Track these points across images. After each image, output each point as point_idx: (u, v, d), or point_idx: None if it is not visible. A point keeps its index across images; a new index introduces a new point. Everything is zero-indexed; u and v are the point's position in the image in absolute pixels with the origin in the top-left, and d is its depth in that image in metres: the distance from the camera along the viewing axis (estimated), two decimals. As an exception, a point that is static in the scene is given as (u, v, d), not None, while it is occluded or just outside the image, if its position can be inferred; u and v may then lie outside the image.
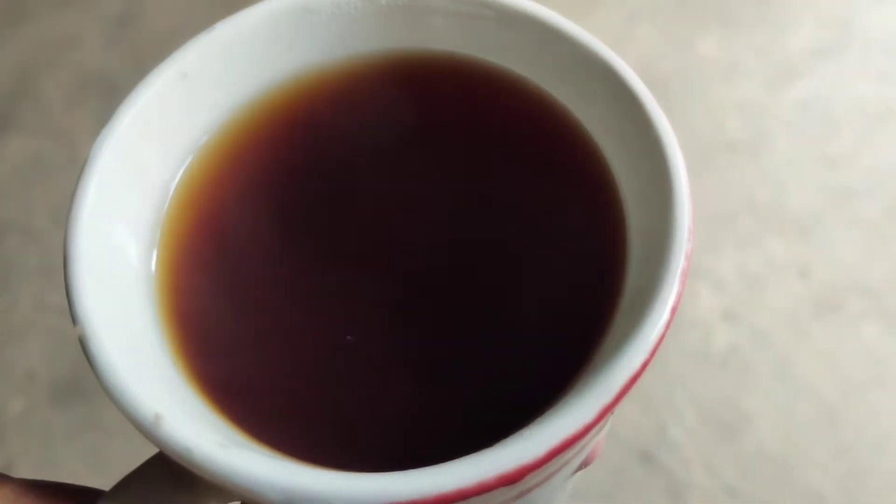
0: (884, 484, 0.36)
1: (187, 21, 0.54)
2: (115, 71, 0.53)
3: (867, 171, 0.45)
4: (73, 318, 0.12)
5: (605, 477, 0.37)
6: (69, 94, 0.52)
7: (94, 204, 0.13)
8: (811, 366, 0.39)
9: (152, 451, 0.12)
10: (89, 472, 0.40)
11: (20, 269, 0.46)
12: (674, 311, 0.12)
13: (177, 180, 0.15)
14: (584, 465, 0.14)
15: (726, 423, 0.38)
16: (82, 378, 0.42)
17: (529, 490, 0.11)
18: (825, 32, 0.50)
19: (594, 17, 0.51)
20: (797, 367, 0.39)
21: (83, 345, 0.11)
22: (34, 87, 0.53)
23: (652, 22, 0.51)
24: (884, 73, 0.48)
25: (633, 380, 0.11)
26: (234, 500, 0.12)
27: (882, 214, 0.43)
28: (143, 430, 0.11)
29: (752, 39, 0.50)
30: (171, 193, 0.15)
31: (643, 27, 0.51)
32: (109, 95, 0.51)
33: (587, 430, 0.11)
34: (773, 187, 0.44)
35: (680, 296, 0.12)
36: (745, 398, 0.38)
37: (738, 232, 0.43)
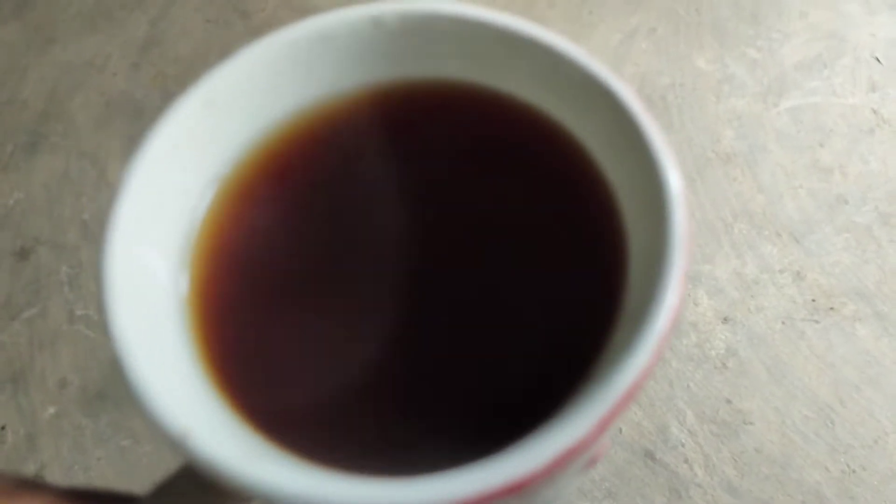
0: (880, 481, 0.37)
1: (209, 45, 0.56)
2: (139, 93, 0.55)
3: (858, 179, 0.46)
4: (109, 335, 0.12)
5: (608, 475, 0.38)
6: (96, 116, 0.55)
7: (126, 228, 0.13)
8: (807, 367, 0.40)
9: (179, 456, 0.12)
10: (119, 477, 0.42)
11: (51, 281, 0.48)
12: (671, 322, 0.12)
13: (205, 205, 0.15)
14: (590, 464, 0.14)
15: (725, 423, 0.39)
16: (112, 386, 0.44)
17: (534, 491, 0.12)
18: (817, 45, 0.51)
19: (594, 36, 0.53)
20: (793, 369, 0.40)
21: (117, 362, 0.12)
22: (62, 109, 0.56)
23: (650, 39, 0.53)
24: (874, 84, 0.49)
25: (634, 388, 0.11)
26: None
27: (873, 220, 0.44)
28: (172, 443, 0.11)
29: (747, 53, 0.51)
30: (199, 217, 0.15)
31: (642, 44, 0.52)
32: (135, 117, 0.54)
33: (590, 438, 0.11)
34: (767, 195, 0.46)
35: (677, 308, 0.12)
36: (743, 399, 0.39)
37: (734, 238, 0.44)
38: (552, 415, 0.11)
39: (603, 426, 0.11)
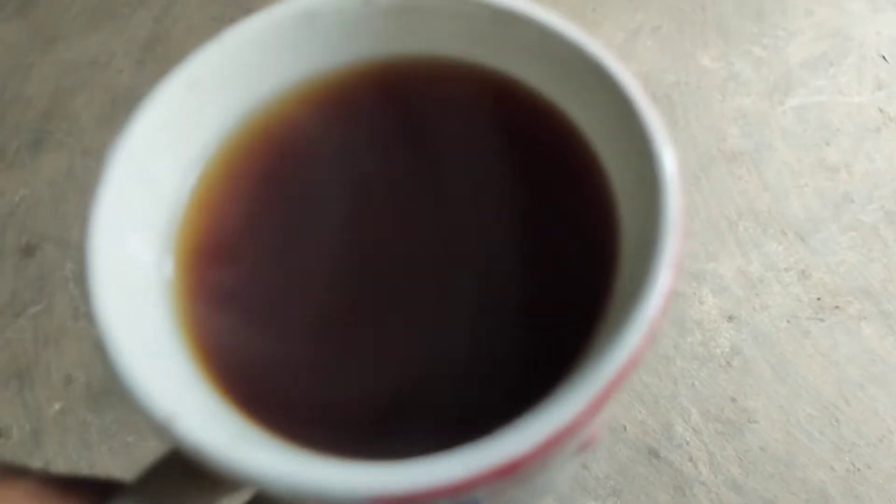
0: (885, 480, 0.37)
1: (211, 43, 0.56)
2: (143, 90, 0.55)
3: (864, 177, 0.46)
4: (91, 321, 0.12)
5: (613, 473, 0.38)
6: (100, 113, 0.55)
7: (109, 212, 0.13)
8: (812, 365, 0.40)
9: (165, 441, 0.12)
10: (124, 473, 0.42)
11: (56, 278, 0.48)
12: (663, 305, 0.12)
13: (189, 187, 0.15)
14: (583, 448, 0.14)
15: (730, 421, 0.39)
16: (117, 381, 0.44)
17: (527, 474, 0.12)
18: (822, 43, 0.51)
19: (599, 34, 0.53)
20: (798, 367, 0.40)
21: (101, 347, 0.12)
22: (67, 107, 0.56)
23: (654, 37, 0.53)
24: (879, 82, 0.49)
25: (626, 370, 0.11)
26: (248, 490, 0.13)
27: (879, 219, 0.44)
28: (157, 428, 0.11)
29: (752, 51, 0.51)
30: (184, 200, 0.15)
31: (646, 42, 0.52)
32: (139, 114, 0.54)
33: (582, 419, 0.11)
34: (772, 194, 0.46)
35: (669, 291, 0.12)
36: (748, 397, 0.40)
37: (739, 237, 0.44)
38: (544, 397, 0.11)
39: (595, 407, 0.11)
